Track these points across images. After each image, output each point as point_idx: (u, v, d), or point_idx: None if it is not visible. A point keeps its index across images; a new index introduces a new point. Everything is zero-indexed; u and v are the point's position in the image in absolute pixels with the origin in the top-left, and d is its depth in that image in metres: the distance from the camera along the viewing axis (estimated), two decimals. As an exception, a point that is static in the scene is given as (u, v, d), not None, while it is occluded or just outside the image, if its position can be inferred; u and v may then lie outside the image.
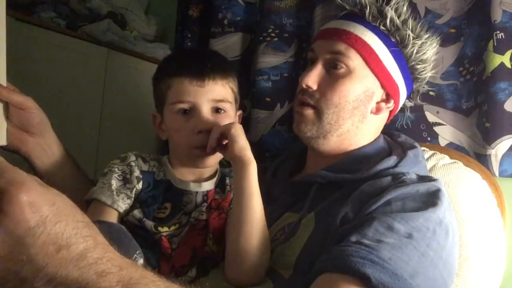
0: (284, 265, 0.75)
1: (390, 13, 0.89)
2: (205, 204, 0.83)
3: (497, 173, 1.01)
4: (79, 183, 0.89)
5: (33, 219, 0.43)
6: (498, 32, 1.01)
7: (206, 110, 0.81)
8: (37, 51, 1.39)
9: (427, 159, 0.98)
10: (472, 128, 1.06)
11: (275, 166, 1.03)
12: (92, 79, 1.52)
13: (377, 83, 0.90)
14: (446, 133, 1.09)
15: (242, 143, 0.78)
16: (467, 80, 1.08)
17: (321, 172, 0.87)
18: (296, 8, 1.32)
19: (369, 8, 0.90)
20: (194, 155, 0.82)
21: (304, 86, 0.89)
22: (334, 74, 0.89)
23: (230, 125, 0.79)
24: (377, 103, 0.91)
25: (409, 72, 0.93)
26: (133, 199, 0.80)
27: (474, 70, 1.07)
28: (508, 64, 1.00)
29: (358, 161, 0.87)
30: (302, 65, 1.28)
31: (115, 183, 0.79)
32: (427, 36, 0.93)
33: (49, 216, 0.44)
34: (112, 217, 0.77)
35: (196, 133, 0.80)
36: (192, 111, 0.82)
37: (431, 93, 1.10)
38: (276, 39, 1.32)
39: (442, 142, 1.10)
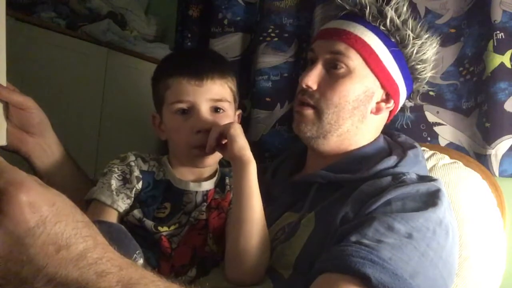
0: (284, 265, 0.75)
1: (390, 13, 0.89)
2: (205, 203, 0.83)
3: (497, 173, 1.01)
4: (79, 183, 0.89)
5: (33, 219, 0.43)
6: (498, 32, 1.01)
7: (205, 109, 0.81)
8: (37, 51, 1.39)
9: (427, 159, 0.98)
10: (472, 128, 1.06)
11: (275, 166, 1.03)
12: (92, 79, 1.52)
13: (377, 83, 0.90)
14: (446, 133, 1.09)
15: (242, 143, 0.78)
16: (467, 80, 1.08)
17: (321, 172, 0.87)
18: (296, 8, 1.32)
19: (369, 8, 0.90)
20: (193, 155, 0.82)
21: (304, 86, 0.89)
22: (334, 74, 0.89)
23: (229, 125, 0.79)
24: (377, 103, 0.91)
25: (409, 72, 0.93)
26: (133, 199, 0.80)
27: (474, 70, 1.07)
28: (508, 64, 1.00)
29: (358, 161, 0.87)
30: (302, 65, 1.28)
31: (114, 183, 0.79)
32: (427, 36, 0.93)
33: (49, 216, 0.44)
34: (112, 217, 0.77)
35: (195, 133, 0.81)
36: (190, 111, 0.82)
37: (431, 93, 1.10)
38: (276, 39, 1.32)
39: (442, 142, 1.10)
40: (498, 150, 1.00)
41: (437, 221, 0.71)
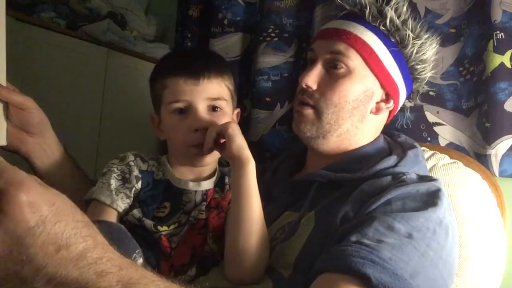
0: (284, 264, 0.75)
1: (390, 13, 0.89)
2: (205, 203, 0.83)
3: (497, 173, 1.01)
4: (79, 183, 0.89)
5: (32, 219, 0.43)
6: (498, 32, 1.00)
7: (202, 108, 0.81)
8: (37, 51, 1.39)
9: (427, 159, 0.98)
10: (472, 128, 1.06)
11: (275, 165, 1.03)
12: (92, 79, 1.52)
13: (377, 83, 0.90)
14: (446, 133, 1.09)
15: (240, 142, 0.78)
16: (467, 80, 1.08)
17: (321, 171, 0.87)
18: (296, 8, 1.32)
19: (369, 8, 0.90)
20: (192, 154, 0.82)
21: (303, 86, 0.89)
22: (334, 74, 0.89)
23: (227, 125, 0.79)
24: (377, 103, 0.91)
25: (409, 72, 0.93)
26: (132, 198, 0.80)
27: (474, 70, 1.07)
28: (508, 64, 1.00)
29: (358, 161, 0.87)
30: (302, 65, 1.28)
31: (114, 182, 0.79)
32: (427, 36, 0.93)
33: (49, 216, 0.44)
34: (112, 217, 0.77)
35: (192, 132, 0.81)
36: (188, 110, 0.82)
37: (431, 93, 1.10)
38: (276, 39, 1.32)
39: (442, 142, 1.10)
40: (498, 150, 1.00)
41: (437, 221, 0.71)
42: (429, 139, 1.10)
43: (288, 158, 1.04)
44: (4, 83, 0.73)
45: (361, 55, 0.88)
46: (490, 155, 1.01)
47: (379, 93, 0.91)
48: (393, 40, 0.90)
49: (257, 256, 0.74)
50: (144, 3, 1.86)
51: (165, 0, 1.82)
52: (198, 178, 0.86)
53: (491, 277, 0.90)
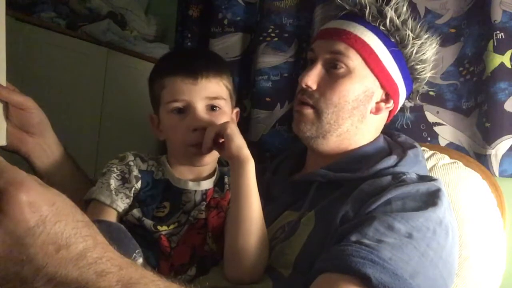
0: (284, 264, 0.75)
1: (390, 13, 0.89)
2: (204, 203, 0.83)
3: (497, 173, 1.01)
4: (78, 183, 0.89)
5: (32, 219, 0.43)
6: (498, 32, 1.00)
7: (200, 108, 0.81)
8: (37, 51, 1.39)
9: (427, 159, 0.98)
10: (472, 128, 1.06)
11: (275, 165, 1.03)
12: (92, 79, 1.52)
13: (377, 83, 0.90)
14: (446, 133, 1.09)
15: (239, 142, 0.78)
16: (467, 80, 1.08)
17: (320, 170, 0.87)
18: (296, 8, 1.32)
19: (369, 8, 0.90)
20: (190, 153, 0.82)
21: (303, 85, 0.89)
22: (334, 74, 0.89)
23: (225, 125, 0.79)
24: (377, 103, 0.91)
25: (409, 72, 0.93)
26: (132, 198, 0.80)
27: (474, 70, 1.07)
28: (508, 64, 1.00)
29: (358, 160, 0.87)
30: (302, 65, 1.28)
31: (113, 182, 0.79)
32: (426, 36, 0.93)
33: (49, 216, 0.44)
34: (111, 217, 0.77)
35: (191, 131, 0.81)
36: (186, 110, 0.82)
37: (431, 93, 1.10)
38: (276, 39, 1.32)
39: (442, 142, 1.10)
40: (498, 150, 1.00)
41: (437, 221, 0.71)
42: (429, 139, 1.10)
43: (288, 158, 1.04)
44: (4, 83, 0.73)
45: (361, 55, 0.88)
46: (490, 155, 1.01)
47: (379, 93, 0.91)
48: (393, 40, 0.90)
49: (257, 255, 0.74)
50: (144, 3, 1.86)
51: (165, 0, 1.82)
52: (198, 177, 0.86)
53: (491, 277, 0.90)
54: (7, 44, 0.69)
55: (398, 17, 0.90)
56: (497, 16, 1.01)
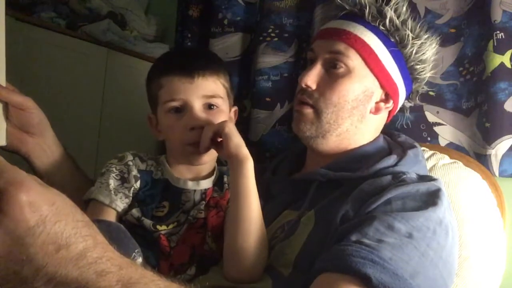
0: (284, 263, 0.75)
1: (390, 13, 0.89)
2: (203, 202, 0.83)
3: (497, 173, 1.01)
4: (78, 183, 0.89)
5: (32, 219, 0.43)
6: (498, 32, 1.00)
7: (198, 106, 0.82)
8: (37, 51, 1.39)
9: (427, 159, 0.98)
10: (472, 128, 1.06)
11: (275, 164, 1.03)
12: (92, 79, 1.52)
13: (377, 83, 0.90)
14: (446, 133, 1.09)
15: (237, 141, 0.78)
16: (467, 80, 1.08)
17: (320, 170, 0.87)
18: (296, 8, 1.32)
19: (369, 8, 0.90)
20: (188, 152, 0.82)
21: (303, 85, 0.89)
22: (334, 73, 0.89)
23: (223, 124, 0.79)
24: (376, 103, 0.91)
25: (409, 73, 0.93)
26: (131, 198, 0.80)
27: (474, 70, 1.07)
28: (508, 64, 1.00)
29: (358, 160, 0.87)
30: (302, 65, 1.27)
31: (113, 182, 0.79)
32: (426, 36, 0.93)
33: (49, 216, 0.44)
34: (111, 217, 0.78)
35: (188, 130, 0.81)
36: (184, 109, 0.82)
37: (431, 93, 1.10)
38: (276, 39, 1.32)
39: (442, 142, 1.09)
40: (498, 150, 1.00)
41: (437, 221, 0.71)
42: (429, 139, 1.10)
43: (288, 158, 1.04)
44: (4, 83, 0.73)
45: (360, 55, 0.88)
46: (490, 155, 1.01)
47: (378, 93, 0.91)
48: (392, 40, 0.90)
49: (256, 255, 0.74)
50: (144, 3, 1.86)
51: (165, 0, 1.82)
52: (197, 177, 0.86)
53: (491, 277, 0.90)
54: (7, 44, 0.69)
55: (398, 17, 0.90)
56: (497, 16, 1.01)
